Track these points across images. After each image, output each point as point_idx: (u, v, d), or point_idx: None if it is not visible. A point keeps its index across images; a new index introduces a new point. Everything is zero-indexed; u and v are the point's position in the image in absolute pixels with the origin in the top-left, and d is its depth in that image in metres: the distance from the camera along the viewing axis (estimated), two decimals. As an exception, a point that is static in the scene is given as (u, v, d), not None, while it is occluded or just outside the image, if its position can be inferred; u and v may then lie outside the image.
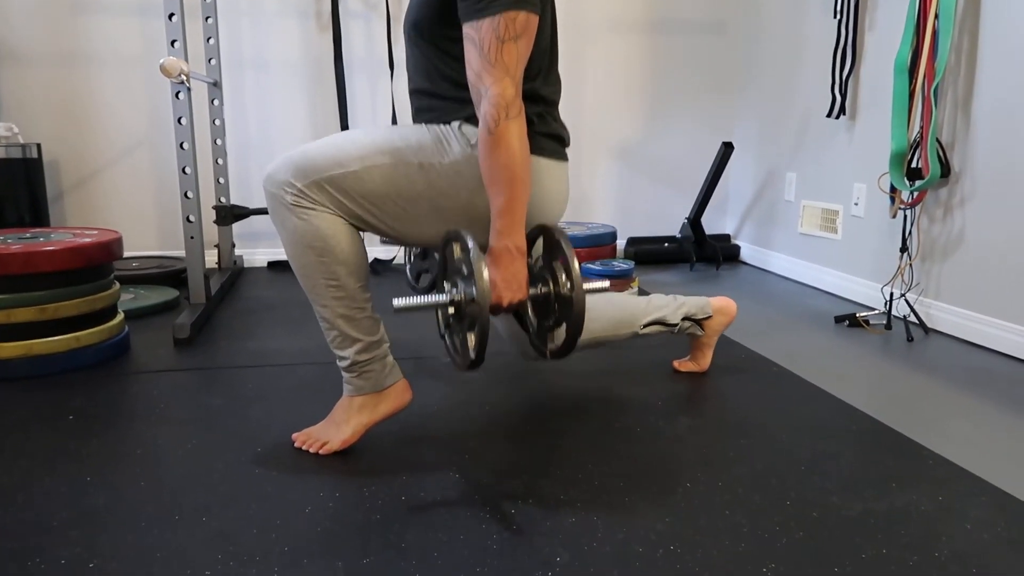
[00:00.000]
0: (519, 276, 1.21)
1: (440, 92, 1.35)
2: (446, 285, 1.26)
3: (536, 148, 1.33)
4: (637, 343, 2.11)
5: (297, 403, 1.65)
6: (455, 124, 1.33)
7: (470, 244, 1.16)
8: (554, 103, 1.40)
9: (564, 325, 1.24)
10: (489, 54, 1.18)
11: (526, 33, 1.20)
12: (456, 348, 1.27)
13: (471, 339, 1.20)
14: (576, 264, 1.21)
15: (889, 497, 1.24)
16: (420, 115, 1.40)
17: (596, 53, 3.33)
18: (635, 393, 1.72)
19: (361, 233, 1.36)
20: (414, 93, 1.41)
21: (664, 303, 1.72)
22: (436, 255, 1.63)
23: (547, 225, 1.26)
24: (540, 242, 1.29)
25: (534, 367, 1.90)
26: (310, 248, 1.29)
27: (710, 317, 1.76)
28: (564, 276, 1.22)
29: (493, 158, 1.18)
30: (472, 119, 1.28)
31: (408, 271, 1.79)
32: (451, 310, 1.23)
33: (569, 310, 1.21)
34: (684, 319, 1.73)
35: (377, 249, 3.23)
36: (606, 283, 1.32)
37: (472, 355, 1.20)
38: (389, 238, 1.38)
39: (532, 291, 1.25)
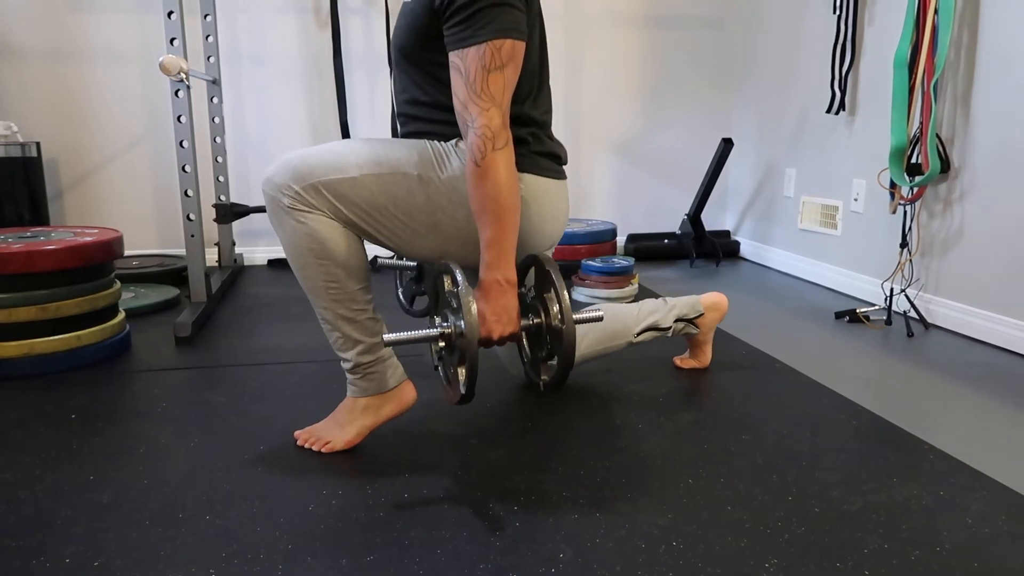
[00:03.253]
0: (509, 309, 1.21)
1: (428, 116, 1.35)
2: (437, 319, 1.26)
3: (533, 167, 1.33)
4: (638, 339, 2.11)
5: (299, 401, 1.65)
6: (453, 141, 1.33)
7: (459, 278, 1.16)
8: (546, 124, 1.40)
9: (556, 358, 1.24)
10: (475, 84, 1.17)
11: (512, 61, 1.20)
12: (448, 381, 1.27)
13: (461, 373, 1.20)
14: (567, 296, 1.21)
15: (890, 491, 1.24)
16: (409, 137, 1.39)
17: (595, 48, 3.32)
18: (636, 389, 1.72)
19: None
20: (402, 116, 1.41)
21: (655, 307, 1.72)
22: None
23: (538, 256, 1.26)
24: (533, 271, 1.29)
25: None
26: (308, 251, 1.29)
27: (702, 315, 1.76)
28: (555, 308, 1.22)
29: (480, 190, 1.18)
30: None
31: (400, 295, 1.79)
32: (441, 344, 1.23)
33: (560, 343, 1.21)
34: (677, 321, 1.73)
35: (377, 247, 3.23)
36: (599, 314, 1.33)
37: (463, 389, 1.20)
38: (385, 248, 1.38)
39: (524, 322, 1.25)
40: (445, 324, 1.22)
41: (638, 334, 1.69)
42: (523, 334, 1.29)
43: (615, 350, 1.70)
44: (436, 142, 1.34)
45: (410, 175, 1.30)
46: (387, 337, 1.21)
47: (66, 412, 1.59)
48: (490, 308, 1.19)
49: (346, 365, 1.38)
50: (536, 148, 1.35)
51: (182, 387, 1.74)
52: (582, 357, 1.66)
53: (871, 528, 1.13)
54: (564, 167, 1.44)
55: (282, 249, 1.33)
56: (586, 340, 1.65)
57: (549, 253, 1.42)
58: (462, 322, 1.15)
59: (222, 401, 1.65)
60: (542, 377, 1.32)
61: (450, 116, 1.26)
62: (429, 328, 1.23)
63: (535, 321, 1.26)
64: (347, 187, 1.28)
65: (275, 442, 1.44)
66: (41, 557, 1.06)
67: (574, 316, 1.23)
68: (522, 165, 1.28)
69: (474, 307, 1.15)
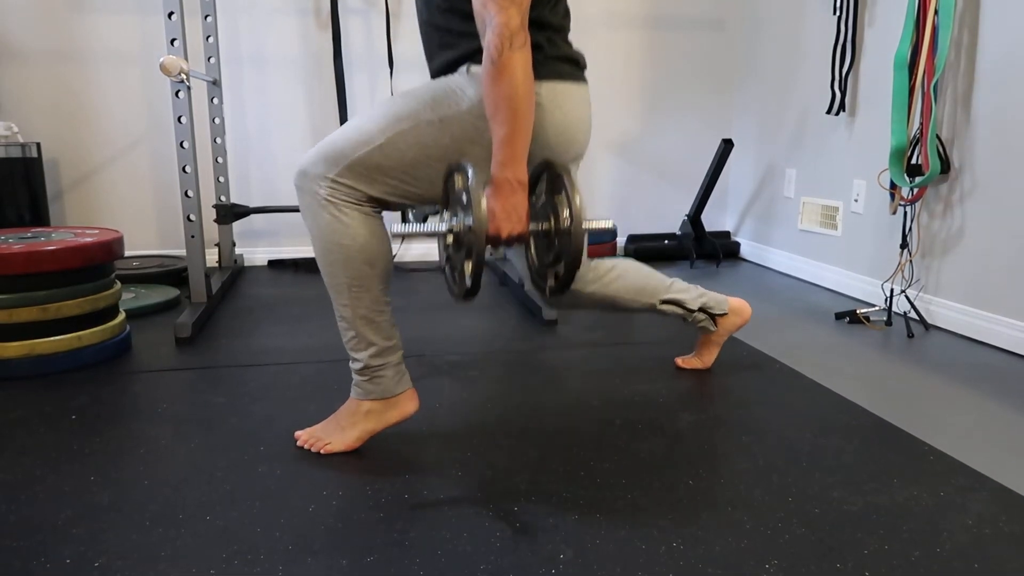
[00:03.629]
0: (519, 208, 1.19)
1: (448, 25, 1.33)
2: (446, 215, 1.25)
3: (552, 73, 1.31)
4: (640, 337, 2.11)
5: (299, 401, 1.65)
6: (461, 70, 1.32)
7: (470, 174, 1.14)
8: (563, 28, 1.37)
9: (562, 264, 1.21)
10: None
11: None
12: (454, 278, 1.26)
13: (467, 267, 1.18)
14: (578, 199, 1.17)
15: (890, 492, 1.24)
16: (430, 49, 1.38)
17: (595, 49, 3.32)
18: (637, 390, 1.72)
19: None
20: (424, 25, 1.39)
21: (686, 287, 1.73)
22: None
23: (551, 160, 1.24)
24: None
25: (534, 363, 1.90)
26: (339, 245, 1.29)
27: (725, 315, 1.76)
28: (565, 210, 1.19)
29: (496, 88, 1.17)
30: (478, 55, 1.25)
31: (412, 215, 1.78)
32: (449, 239, 1.21)
33: (568, 244, 1.18)
34: (700, 310, 1.74)
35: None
36: (610, 221, 1.29)
37: (468, 283, 1.18)
38: (432, 204, 1.37)
39: (533, 226, 1.23)
40: (455, 220, 1.20)
41: (663, 301, 1.69)
42: (531, 238, 1.27)
43: (638, 307, 1.68)
44: (445, 78, 1.33)
45: (432, 121, 1.29)
46: (396, 228, 1.19)
47: (66, 413, 1.59)
48: (500, 206, 1.18)
49: (355, 366, 1.38)
50: (552, 53, 1.32)
51: (182, 388, 1.74)
52: (607, 298, 1.63)
53: (871, 529, 1.13)
54: (584, 71, 1.41)
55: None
56: (616, 283, 1.63)
57: (575, 166, 1.39)
58: (471, 218, 1.13)
59: (222, 402, 1.65)
60: (548, 283, 1.29)
61: (471, 26, 1.24)
62: (439, 224, 1.21)
63: (544, 226, 1.24)
64: (378, 156, 1.28)
65: (275, 443, 1.44)
66: (41, 558, 1.06)
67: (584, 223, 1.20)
68: (539, 72, 1.25)
69: (484, 203, 1.14)
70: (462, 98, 1.29)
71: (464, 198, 1.17)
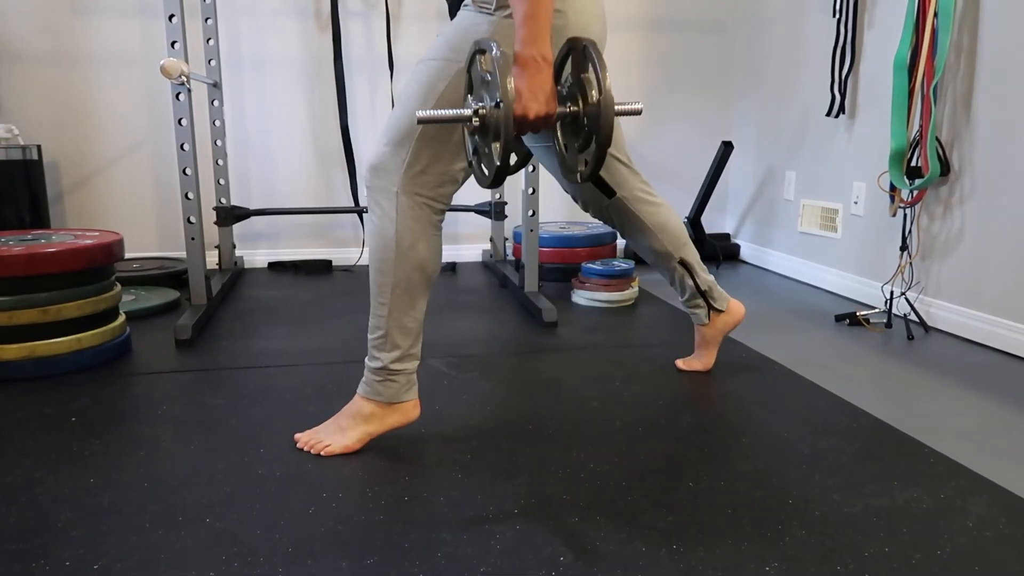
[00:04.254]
0: (545, 87, 1.17)
1: None
2: (470, 99, 1.22)
3: None
4: (640, 339, 2.11)
5: (299, 404, 1.65)
6: (466, 3, 1.33)
7: (495, 52, 1.11)
8: None
9: (593, 141, 1.17)
10: None
11: None
12: (482, 168, 1.23)
13: (495, 149, 1.15)
14: (608, 77, 1.14)
15: (890, 494, 1.24)
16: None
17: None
18: (637, 392, 1.72)
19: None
20: None
21: (704, 267, 1.76)
22: None
23: (576, 37, 1.21)
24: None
25: (534, 365, 1.90)
26: (398, 245, 1.32)
27: (722, 312, 1.77)
28: (593, 90, 1.15)
29: None
30: None
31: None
32: (475, 123, 1.17)
33: (597, 120, 1.14)
34: (704, 294, 1.76)
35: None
36: (639, 106, 1.24)
37: (497, 161, 1.14)
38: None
39: (560, 109, 1.20)
40: (480, 103, 1.17)
41: (682, 260, 1.72)
42: (559, 123, 1.24)
43: (658, 250, 1.70)
44: (456, 23, 1.33)
45: (461, 69, 1.29)
46: (420, 114, 1.17)
47: (67, 415, 1.59)
48: (527, 84, 1.15)
49: (373, 364, 1.39)
50: None
51: (182, 390, 1.74)
52: (646, 224, 1.67)
53: (871, 531, 1.13)
54: None
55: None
56: (661, 214, 1.68)
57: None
58: (497, 93, 1.10)
59: (222, 404, 1.65)
60: (579, 168, 1.25)
61: None
62: (464, 109, 1.18)
63: (572, 109, 1.20)
64: (432, 127, 1.29)
65: (275, 445, 1.44)
66: (41, 560, 1.06)
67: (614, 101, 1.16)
68: None
69: (511, 81, 1.11)
70: (478, 33, 1.30)
71: (489, 77, 1.14)
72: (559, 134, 1.29)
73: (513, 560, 1.05)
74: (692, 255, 1.73)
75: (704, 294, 1.76)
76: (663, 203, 1.71)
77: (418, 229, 1.33)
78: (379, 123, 3.23)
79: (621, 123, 1.61)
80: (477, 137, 1.21)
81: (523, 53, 1.16)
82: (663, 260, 1.72)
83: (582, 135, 1.21)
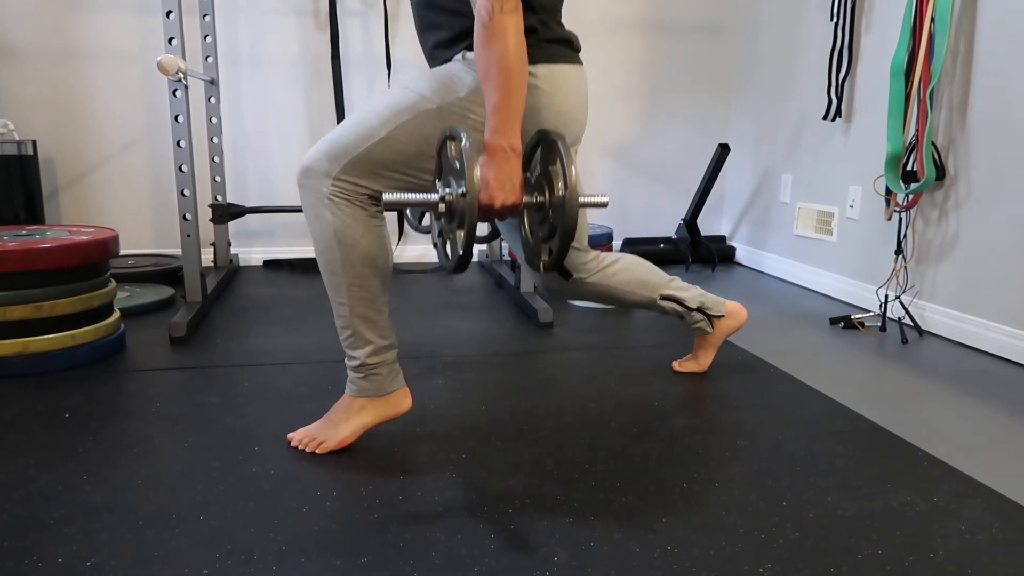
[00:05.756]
0: (513, 177, 1.17)
1: (442, 4, 1.33)
2: (438, 184, 1.23)
3: (547, 56, 1.31)
4: (636, 340, 2.11)
5: (294, 402, 1.65)
6: (457, 57, 1.32)
7: (464, 140, 1.13)
8: (555, 10, 1.36)
9: (557, 233, 1.19)
10: None
11: None
12: (446, 250, 1.24)
13: (459, 236, 1.16)
14: (574, 170, 1.16)
15: (884, 497, 1.25)
16: (422, 27, 1.39)
17: (593, 53, 3.33)
18: (632, 393, 1.72)
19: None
20: (417, 7, 1.39)
21: (686, 287, 1.74)
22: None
23: (545, 129, 1.23)
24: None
25: (529, 365, 1.90)
26: (340, 244, 1.30)
27: (723, 316, 1.77)
28: (559, 181, 1.17)
29: (487, 52, 1.16)
30: (472, 38, 1.25)
31: (408, 213, 1.77)
32: (442, 208, 1.19)
33: (562, 214, 1.16)
34: (698, 310, 1.74)
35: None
36: (605, 199, 1.26)
37: (460, 250, 1.16)
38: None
39: (527, 198, 1.22)
40: (448, 189, 1.18)
41: (663, 297, 1.70)
42: (525, 211, 1.25)
43: (637, 300, 1.68)
44: (441, 67, 1.33)
45: (431, 110, 1.29)
46: (388, 196, 1.17)
47: (60, 412, 1.58)
48: (494, 174, 1.16)
49: (352, 363, 1.38)
50: (546, 35, 1.32)
51: (177, 387, 1.74)
52: (608, 289, 1.64)
53: (865, 534, 1.13)
54: (578, 53, 1.41)
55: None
56: (619, 276, 1.64)
57: (574, 151, 1.38)
58: (464, 186, 1.12)
59: (217, 402, 1.65)
60: (543, 259, 1.27)
61: (464, 5, 1.24)
62: (431, 193, 1.19)
63: (538, 199, 1.22)
64: (380, 150, 1.28)
65: (270, 443, 1.43)
66: (34, 557, 1.05)
67: (579, 195, 1.18)
68: (535, 55, 1.26)
69: (478, 170, 1.12)
70: (460, 85, 1.30)
71: (457, 165, 1.15)
72: (525, 220, 1.31)
73: (507, 560, 1.05)
74: (670, 286, 1.71)
75: (700, 310, 1.75)
76: (619, 259, 1.66)
77: (358, 224, 1.30)
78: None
79: (585, 211, 1.62)
80: (443, 221, 1.22)
81: (492, 142, 1.17)
82: (649, 307, 1.71)
83: (547, 225, 1.23)
